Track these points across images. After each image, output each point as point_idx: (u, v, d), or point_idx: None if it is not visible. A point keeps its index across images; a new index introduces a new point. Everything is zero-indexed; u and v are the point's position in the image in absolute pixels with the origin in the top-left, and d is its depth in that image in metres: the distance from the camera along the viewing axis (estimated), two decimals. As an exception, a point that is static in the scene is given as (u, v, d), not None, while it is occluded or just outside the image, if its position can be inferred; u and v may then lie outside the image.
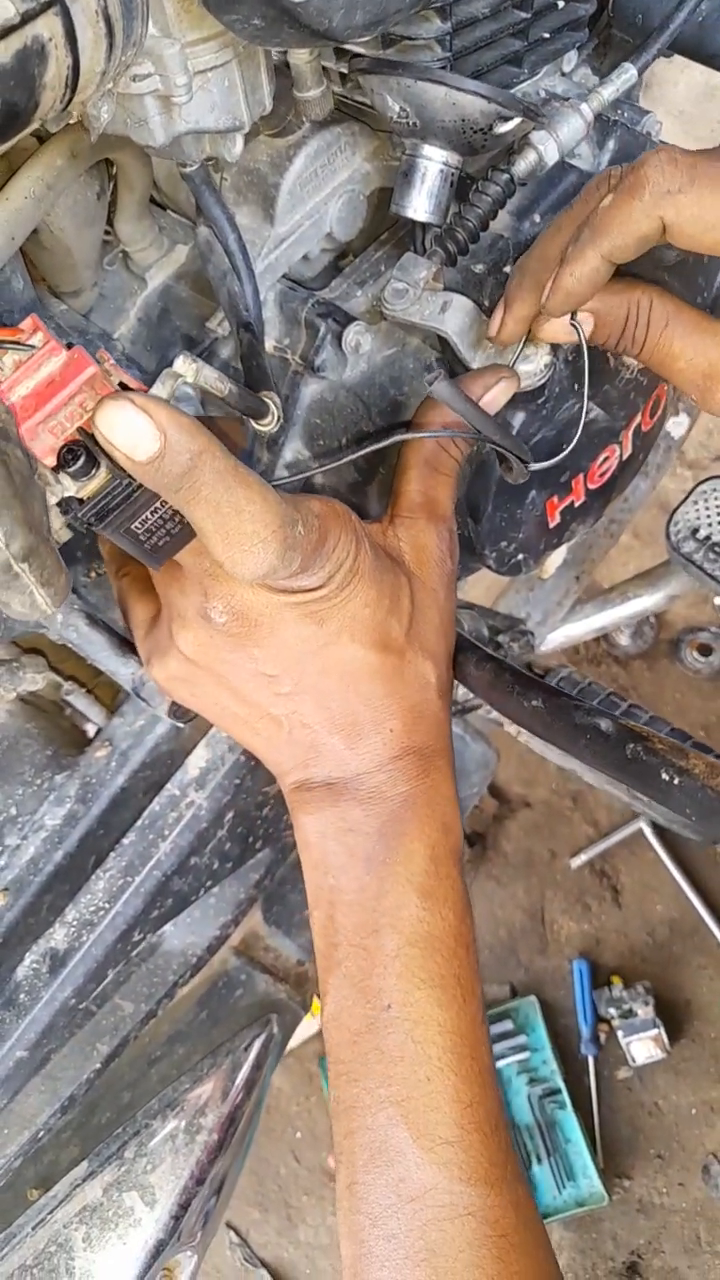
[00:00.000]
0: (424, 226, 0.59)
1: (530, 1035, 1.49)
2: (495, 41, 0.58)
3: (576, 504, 0.70)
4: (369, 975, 0.52)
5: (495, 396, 0.56)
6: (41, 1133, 0.71)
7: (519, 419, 0.61)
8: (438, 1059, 0.51)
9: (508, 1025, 1.49)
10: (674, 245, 0.48)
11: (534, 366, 0.57)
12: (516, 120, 0.56)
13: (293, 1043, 1.28)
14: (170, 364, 0.47)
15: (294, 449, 0.65)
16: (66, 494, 0.42)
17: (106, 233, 0.64)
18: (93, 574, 0.70)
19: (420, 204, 0.57)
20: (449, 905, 0.54)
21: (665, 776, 0.47)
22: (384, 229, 0.67)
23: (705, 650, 1.65)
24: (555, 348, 0.59)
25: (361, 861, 0.54)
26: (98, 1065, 0.73)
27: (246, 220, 0.60)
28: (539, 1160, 1.42)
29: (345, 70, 0.56)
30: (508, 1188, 0.51)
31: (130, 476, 0.42)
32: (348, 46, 0.53)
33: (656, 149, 0.48)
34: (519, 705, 0.51)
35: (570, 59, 0.68)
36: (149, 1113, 0.76)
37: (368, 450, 0.56)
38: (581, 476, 0.69)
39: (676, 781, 0.47)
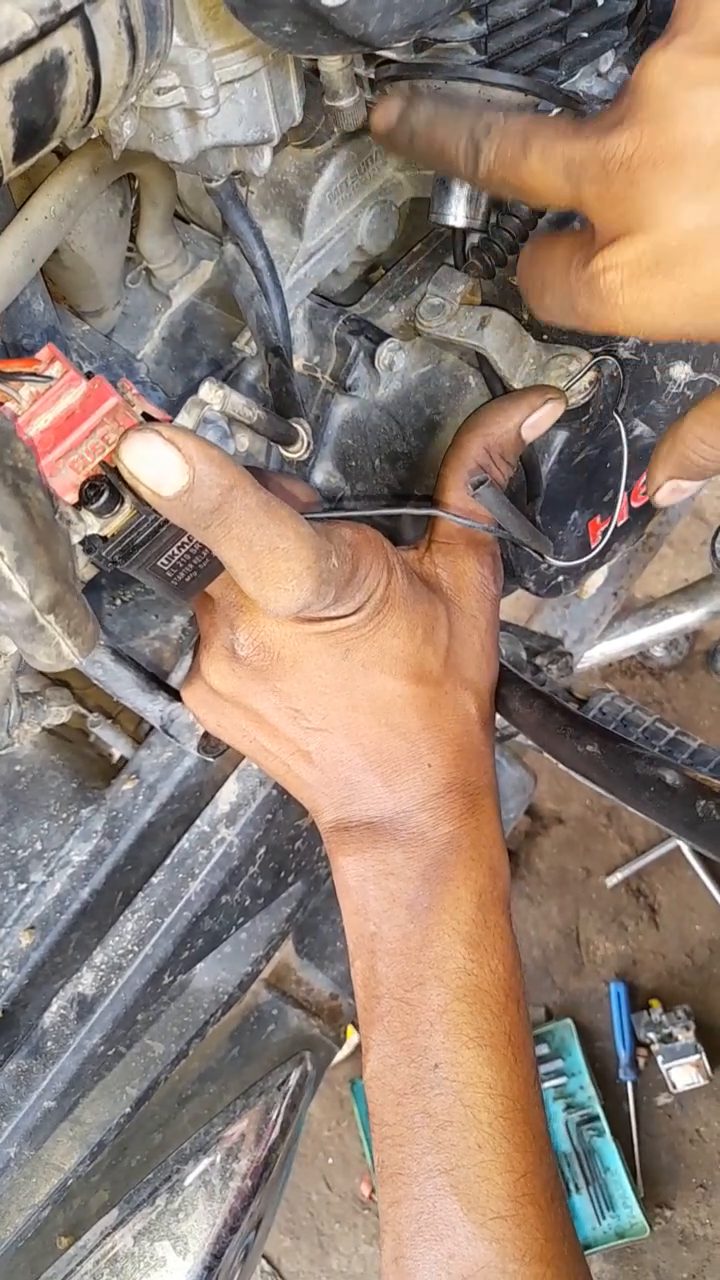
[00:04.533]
0: (464, 234, 0.56)
1: (567, 1060, 1.46)
2: (532, 43, 0.55)
3: (619, 523, 0.67)
4: (414, 1032, 0.50)
5: (541, 419, 0.53)
6: (70, 1180, 0.68)
7: (561, 438, 0.58)
8: (489, 1124, 0.48)
9: (543, 1049, 1.46)
10: None
11: (579, 385, 0.54)
12: (555, 112, 0.53)
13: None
14: (195, 390, 0.44)
15: (324, 470, 0.62)
16: (89, 532, 0.39)
17: (129, 249, 0.62)
18: (117, 600, 0.67)
19: (460, 210, 0.54)
20: (498, 956, 0.51)
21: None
22: (416, 241, 0.64)
23: (742, 662, 1.62)
24: (599, 365, 0.56)
25: (404, 908, 0.51)
26: (127, 1109, 0.70)
27: (274, 234, 0.58)
28: (577, 1189, 1.38)
29: (373, 76, 0.54)
30: (566, 1266, 0.48)
31: (156, 512, 0.40)
32: (382, 52, 0.51)
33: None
34: (572, 750, 0.48)
35: (607, 59, 0.65)
36: (181, 1156, 0.74)
37: (399, 513, 0.54)
38: (625, 495, 0.66)
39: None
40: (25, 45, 0.34)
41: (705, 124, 0.36)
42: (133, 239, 0.62)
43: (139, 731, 0.71)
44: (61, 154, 0.51)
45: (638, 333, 0.41)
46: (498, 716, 0.58)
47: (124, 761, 0.69)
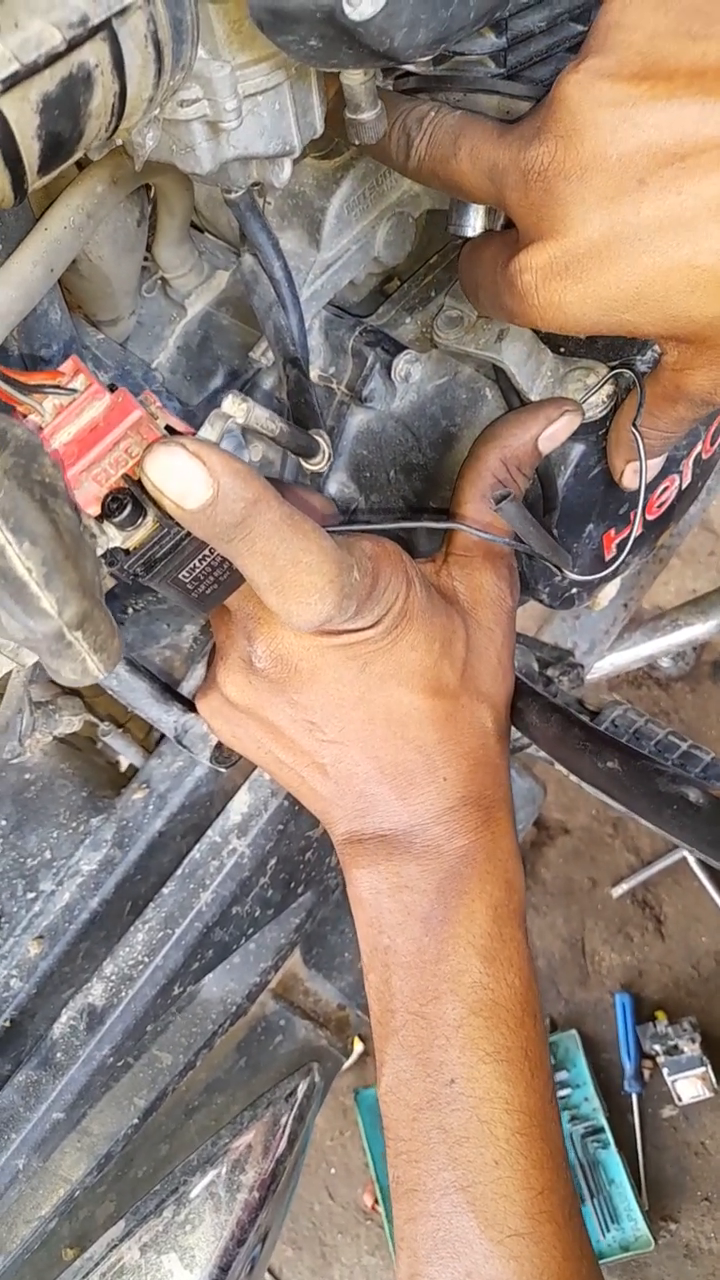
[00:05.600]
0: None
1: (571, 1071, 1.45)
2: (550, 56, 0.55)
3: (634, 535, 0.67)
4: (429, 1047, 0.49)
5: (558, 431, 0.53)
6: (77, 1191, 0.68)
7: (578, 451, 0.58)
8: (506, 1140, 0.47)
9: (551, 1070, 1.45)
10: None
11: (597, 398, 0.54)
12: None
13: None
14: (216, 401, 0.44)
15: (339, 481, 0.62)
16: (111, 545, 0.39)
17: (145, 259, 0.62)
18: (129, 610, 0.67)
19: (478, 222, 0.54)
20: (514, 970, 0.50)
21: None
22: (433, 253, 0.64)
23: (749, 672, 1.61)
24: (616, 378, 0.56)
25: (419, 921, 0.51)
26: (135, 1121, 0.70)
27: (291, 245, 0.58)
28: (581, 1202, 1.38)
29: (391, 89, 0.54)
30: None
31: (179, 525, 0.40)
32: (406, 67, 0.51)
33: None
34: (592, 766, 0.48)
35: (625, 73, 0.65)
36: (188, 1168, 0.73)
37: (419, 526, 0.54)
38: (639, 509, 0.66)
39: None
40: (53, 59, 0.34)
41: (610, 142, 0.39)
42: (149, 249, 0.61)
43: (149, 740, 0.71)
44: (81, 164, 0.51)
45: (554, 328, 0.44)
46: (511, 729, 0.58)
47: (134, 770, 0.69)
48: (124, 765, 0.74)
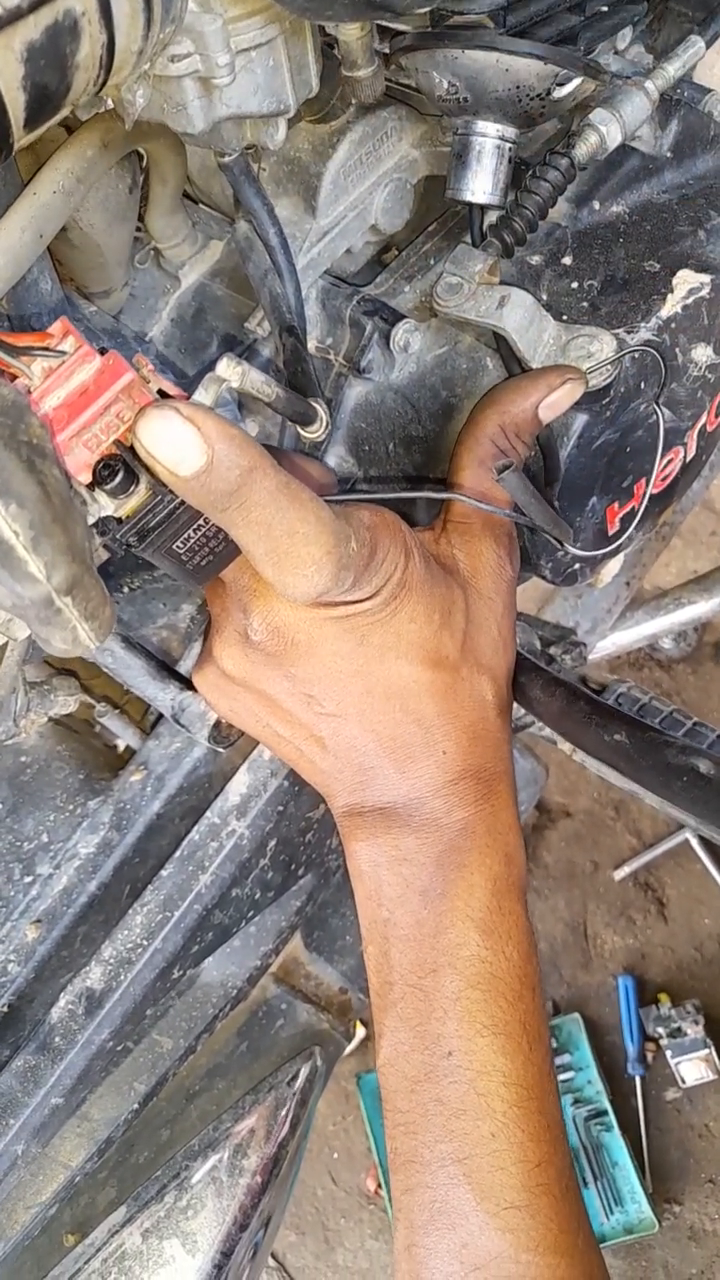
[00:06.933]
0: (482, 211, 0.55)
1: (574, 1054, 1.45)
2: (551, 17, 0.54)
3: (637, 509, 0.66)
4: (427, 1019, 0.49)
5: (560, 399, 0.52)
6: (77, 1177, 0.67)
7: (581, 421, 0.57)
8: (503, 1113, 0.47)
9: (551, 1043, 1.45)
10: None
11: (599, 366, 0.53)
12: (576, 82, 0.52)
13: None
14: (212, 367, 0.43)
15: (337, 454, 0.61)
16: (104, 513, 0.38)
17: (137, 229, 0.61)
18: (125, 589, 0.66)
19: (478, 185, 0.53)
20: (513, 943, 0.50)
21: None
22: (431, 220, 0.63)
23: (751, 654, 1.60)
24: (620, 344, 0.55)
25: (418, 894, 0.50)
26: (135, 1105, 0.69)
27: (287, 212, 0.56)
28: (585, 1184, 1.38)
29: (387, 50, 0.53)
30: (580, 1257, 0.47)
31: (173, 493, 0.39)
32: (393, 25, 0.49)
33: None
34: (598, 739, 0.47)
35: (625, 35, 0.64)
36: (189, 1153, 0.73)
37: (418, 496, 0.52)
38: (644, 481, 0.65)
39: None
40: (37, 4, 0.32)
41: None
42: (141, 218, 0.60)
43: (146, 721, 0.70)
44: (70, 128, 0.50)
45: None
46: (513, 707, 0.57)
47: (131, 752, 0.68)
48: (121, 747, 0.73)
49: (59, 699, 0.62)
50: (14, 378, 0.36)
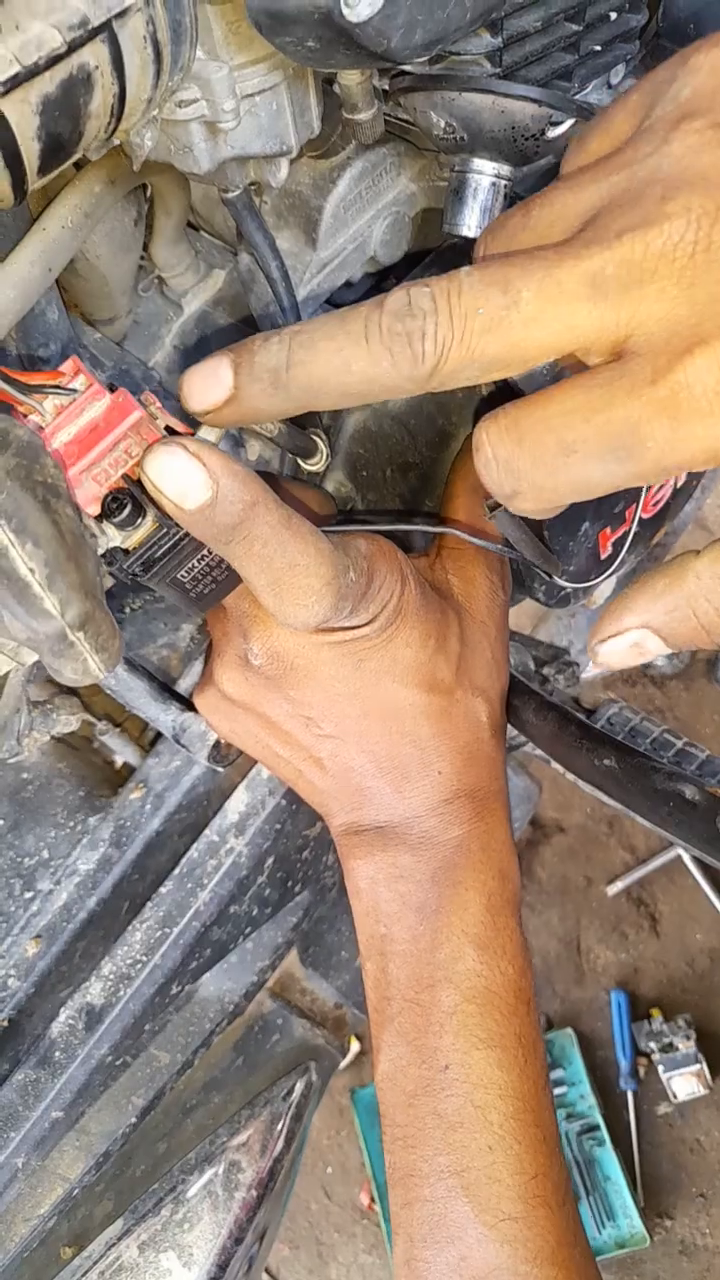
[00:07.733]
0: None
1: (567, 1069, 1.46)
2: (546, 56, 0.56)
3: (629, 534, 0.67)
4: (424, 1033, 0.50)
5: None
6: (75, 1190, 0.68)
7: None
8: (500, 1126, 0.48)
9: (545, 1057, 1.46)
10: None
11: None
12: (569, 123, 0.53)
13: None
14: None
15: (336, 479, 0.62)
16: (111, 544, 0.39)
17: (142, 258, 0.62)
18: (127, 609, 0.67)
19: (474, 221, 0.54)
20: (507, 958, 0.51)
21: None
22: (428, 252, 0.65)
23: (742, 670, 1.62)
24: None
25: (414, 910, 0.52)
26: (133, 1119, 0.70)
27: (288, 245, 0.58)
28: (577, 1199, 1.38)
29: (387, 88, 0.54)
30: (576, 1268, 0.48)
31: (178, 525, 0.40)
32: (403, 67, 0.51)
33: None
34: (589, 764, 0.48)
35: (618, 72, 0.65)
36: (186, 1167, 0.73)
37: (413, 529, 0.54)
38: (635, 506, 0.66)
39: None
40: (54, 61, 0.34)
41: None
42: (145, 247, 0.62)
43: (145, 738, 0.71)
44: (79, 164, 0.51)
45: None
46: (508, 727, 0.58)
47: (131, 770, 0.69)
48: (121, 764, 0.74)
49: (61, 718, 0.63)
50: (26, 415, 0.37)
